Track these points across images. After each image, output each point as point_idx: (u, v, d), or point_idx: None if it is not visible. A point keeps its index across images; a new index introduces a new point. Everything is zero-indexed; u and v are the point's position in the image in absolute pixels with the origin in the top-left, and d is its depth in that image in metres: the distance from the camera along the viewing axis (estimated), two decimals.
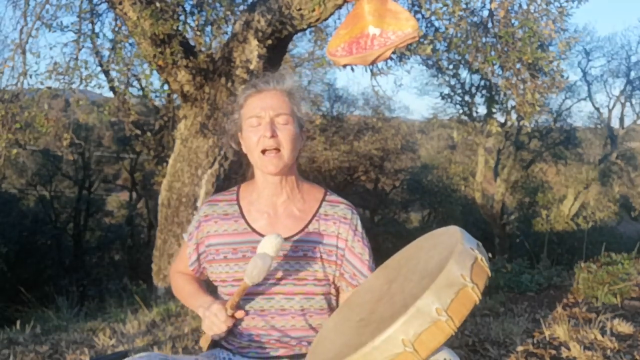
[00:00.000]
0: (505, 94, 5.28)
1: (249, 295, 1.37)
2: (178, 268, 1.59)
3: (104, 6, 5.46)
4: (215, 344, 1.45)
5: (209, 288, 1.55)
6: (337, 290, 1.45)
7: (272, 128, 1.37)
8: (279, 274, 1.38)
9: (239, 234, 1.42)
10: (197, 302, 1.44)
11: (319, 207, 1.46)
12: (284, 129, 1.38)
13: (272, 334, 1.38)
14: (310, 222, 1.43)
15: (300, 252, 1.40)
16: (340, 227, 1.44)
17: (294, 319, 1.38)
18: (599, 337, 2.36)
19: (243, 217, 1.44)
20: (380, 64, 5.16)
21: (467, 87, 13.11)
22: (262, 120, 1.38)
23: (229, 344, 1.43)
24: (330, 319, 1.36)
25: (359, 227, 1.46)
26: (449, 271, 1.05)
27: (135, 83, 6.10)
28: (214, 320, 1.32)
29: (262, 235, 1.39)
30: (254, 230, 1.42)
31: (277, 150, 1.37)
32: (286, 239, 1.39)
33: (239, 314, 1.35)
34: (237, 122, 1.46)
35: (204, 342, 1.43)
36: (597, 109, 15.75)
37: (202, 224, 1.47)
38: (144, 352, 1.21)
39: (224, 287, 1.42)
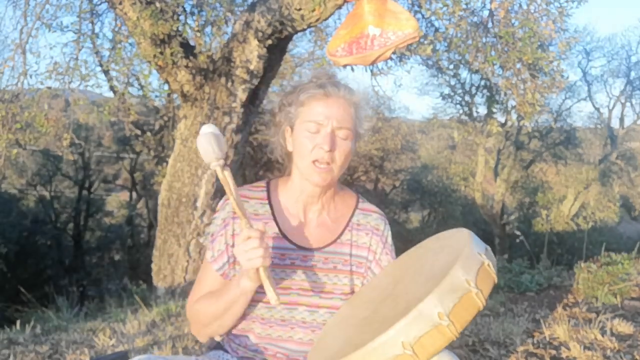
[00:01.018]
0: (505, 94, 5.28)
1: (271, 304, 1.26)
2: (199, 293, 1.36)
3: (104, 6, 5.47)
4: (217, 345, 1.42)
5: None
6: None
7: (332, 141, 1.27)
8: (306, 285, 1.32)
9: (269, 238, 1.32)
10: (229, 290, 1.26)
11: (352, 215, 1.40)
12: (342, 144, 1.29)
13: (285, 346, 1.33)
14: (342, 232, 1.38)
15: (330, 264, 1.35)
16: (373, 238, 1.39)
17: (314, 332, 1.32)
18: (599, 337, 2.36)
19: (274, 219, 1.35)
20: (380, 64, 5.16)
21: (467, 87, 13.13)
22: (322, 129, 1.28)
23: (232, 351, 1.38)
24: (335, 315, 1.35)
25: (389, 239, 1.42)
26: (453, 275, 1.04)
27: (135, 83, 6.11)
28: (243, 247, 1.16)
29: (293, 243, 1.34)
30: (285, 236, 1.34)
31: (328, 164, 1.28)
32: (318, 250, 1.35)
33: (258, 225, 1.21)
34: (291, 117, 1.34)
35: (270, 292, 1.19)
36: (597, 109, 15.78)
37: (228, 221, 1.34)
38: (143, 355, 1.20)
39: None
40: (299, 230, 1.35)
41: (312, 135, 1.29)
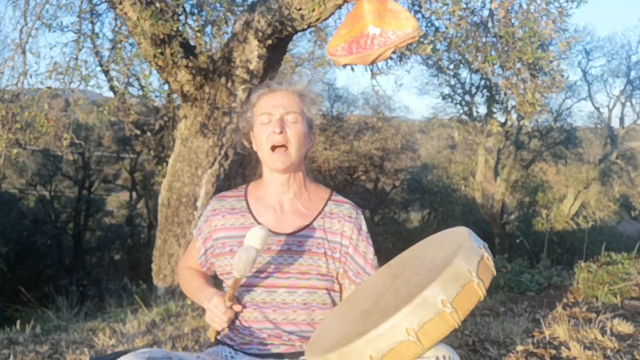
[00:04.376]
0: (505, 94, 5.27)
1: (250, 287, 1.40)
2: (186, 263, 1.62)
3: (104, 6, 5.47)
4: (217, 340, 1.47)
5: (215, 283, 1.57)
6: (341, 287, 1.47)
7: (281, 125, 1.42)
8: (283, 268, 1.41)
9: (245, 228, 1.43)
10: (202, 295, 1.47)
11: (325, 205, 1.50)
12: (292, 127, 1.43)
13: (272, 328, 1.40)
14: (315, 218, 1.47)
15: (304, 247, 1.43)
16: (345, 225, 1.47)
17: (295, 312, 1.40)
18: (599, 337, 2.36)
19: (250, 212, 1.49)
20: (380, 64, 5.16)
21: (467, 86, 13.14)
22: (272, 117, 1.43)
23: (230, 340, 1.44)
24: (331, 312, 1.37)
25: (364, 227, 1.50)
26: (456, 265, 1.06)
27: (135, 83, 6.11)
28: (215, 312, 1.36)
29: (269, 230, 1.42)
30: (259, 224, 1.45)
31: (285, 147, 1.42)
32: (291, 234, 1.44)
33: (237, 307, 1.39)
34: (250, 120, 1.51)
35: (211, 334, 1.46)
36: (597, 109, 15.77)
37: (210, 218, 1.51)
38: (146, 348, 1.22)
39: (229, 280, 1.45)
40: (274, 218, 1.47)
41: (265, 125, 1.44)
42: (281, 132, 1.41)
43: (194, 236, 1.58)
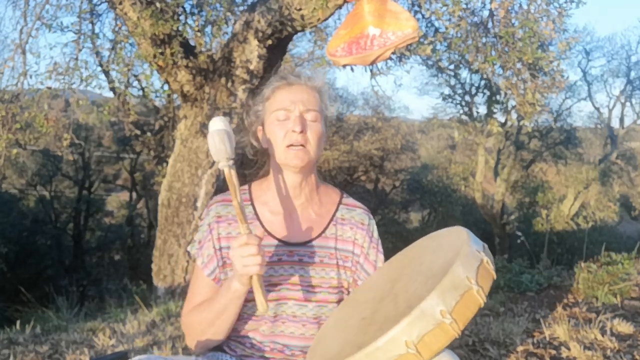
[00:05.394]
0: (505, 94, 5.28)
1: None
2: (192, 303, 1.36)
3: (104, 6, 5.47)
4: (216, 347, 1.41)
5: None
6: None
7: (302, 123, 1.29)
8: (295, 280, 1.33)
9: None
10: (220, 294, 1.26)
11: (336, 210, 1.41)
12: (312, 125, 1.32)
13: (276, 342, 1.34)
14: (327, 226, 1.38)
15: (316, 258, 1.35)
16: (357, 232, 1.40)
17: (305, 326, 1.34)
18: (599, 337, 2.36)
19: (258, 219, 1.37)
20: (380, 64, 5.16)
21: (467, 87, 13.16)
22: (290, 114, 1.31)
23: (231, 350, 1.39)
24: (331, 316, 1.34)
25: (375, 234, 1.42)
26: (454, 273, 1.04)
27: (135, 83, 6.11)
28: (240, 252, 1.15)
29: (279, 240, 1.34)
30: (270, 234, 1.35)
31: (303, 147, 1.30)
32: (303, 244, 1.36)
33: (259, 231, 1.26)
34: (260, 114, 1.38)
35: (261, 303, 1.19)
36: (597, 109, 15.78)
37: (213, 225, 1.36)
38: (143, 355, 1.19)
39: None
40: (284, 226, 1.36)
41: (282, 122, 1.32)
42: (302, 132, 1.29)
43: (197, 265, 1.37)
